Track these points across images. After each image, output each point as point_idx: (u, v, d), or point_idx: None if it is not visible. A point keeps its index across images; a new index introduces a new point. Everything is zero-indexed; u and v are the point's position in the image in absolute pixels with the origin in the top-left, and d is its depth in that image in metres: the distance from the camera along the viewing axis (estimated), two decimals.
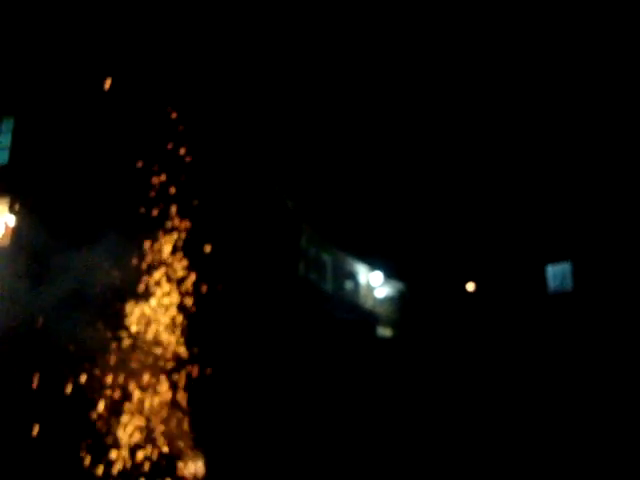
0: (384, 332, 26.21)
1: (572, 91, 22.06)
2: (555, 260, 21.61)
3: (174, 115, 16.08)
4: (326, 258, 24.74)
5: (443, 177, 27.59)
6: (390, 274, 27.18)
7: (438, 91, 25.35)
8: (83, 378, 12.65)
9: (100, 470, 12.00)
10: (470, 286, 26.06)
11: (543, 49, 21.73)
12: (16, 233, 14.03)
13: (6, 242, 14.04)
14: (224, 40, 17.74)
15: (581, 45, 20.81)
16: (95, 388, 12.74)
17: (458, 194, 27.39)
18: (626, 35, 19.29)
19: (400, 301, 27.97)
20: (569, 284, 20.99)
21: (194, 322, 15.33)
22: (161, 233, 15.60)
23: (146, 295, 14.09)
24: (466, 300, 25.94)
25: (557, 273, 21.51)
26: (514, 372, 17.91)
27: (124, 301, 13.79)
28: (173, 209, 16.06)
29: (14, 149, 15.15)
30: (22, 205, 14.26)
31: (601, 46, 20.28)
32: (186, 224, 16.50)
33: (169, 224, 15.76)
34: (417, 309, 26.88)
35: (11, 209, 14.17)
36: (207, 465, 13.53)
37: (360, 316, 24.78)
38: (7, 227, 14.16)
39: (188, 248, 16.24)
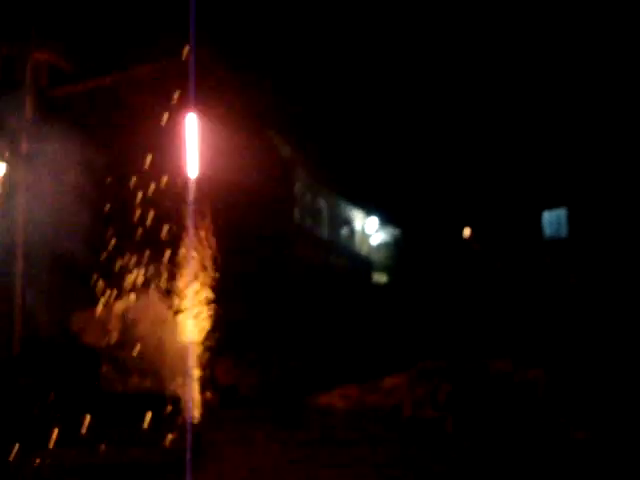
0: (379, 278, 26.36)
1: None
2: (551, 206, 21.60)
3: None
4: (322, 204, 24.65)
5: (439, 122, 27.29)
6: (386, 220, 27.15)
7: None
8: None
9: None
10: (466, 232, 26.04)
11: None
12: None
13: None
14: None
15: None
16: None
17: (454, 139, 27.14)
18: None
19: (395, 247, 28.00)
20: (564, 231, 21.05)
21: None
22: None
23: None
24: (462, 246, 25.97)
25: (553, 220, 21.53)
26: (507, 319, 18.04)
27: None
28: None
29: None
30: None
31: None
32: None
33: None
34: (412, 255, 26.92)
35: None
36: None
37: (356, 262, 24.90)
38: None
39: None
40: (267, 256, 18.67)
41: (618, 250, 18.30)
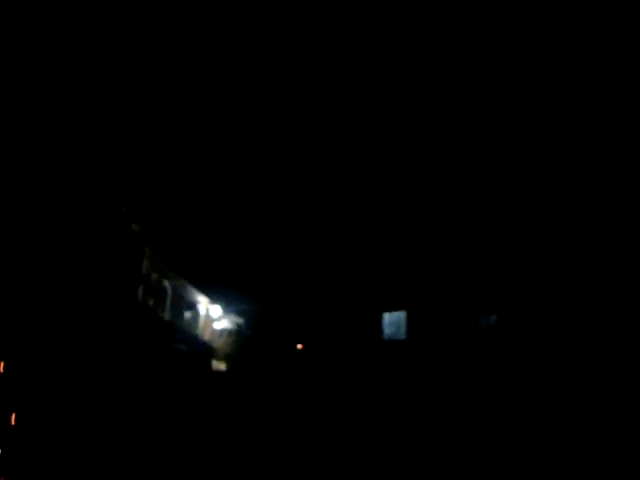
0: (219, 365, 25.93)
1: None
2: (391, 309, 22.77)
3: None
4: (167, 285, 24.13)
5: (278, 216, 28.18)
6: (229, 308, 27.08)
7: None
8: None
9: None
10: (299, 346, 26.69)
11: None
12: None
13: None
14: None
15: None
16: None
17: (296, 233, 28.10)
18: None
19: (237, 335, 27.86)
20: (403, 331, 22.20)
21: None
22: None
23: None
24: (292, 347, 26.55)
25: (393, 321, 22.67)
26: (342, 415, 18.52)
27: None
28: None
29: None
30: None
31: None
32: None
33: None
34: (253, 344, 26.96)
35: None
36: None
37: (197, 347, 24.36)
38: None
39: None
40: (106, 332, 17.86)
41: (455, 349, 19.67)
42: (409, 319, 21.93)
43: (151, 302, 22.84)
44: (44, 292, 16.19)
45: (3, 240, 15.13)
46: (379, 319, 22.77)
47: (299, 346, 26.77)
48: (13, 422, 13.45)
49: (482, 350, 18.75)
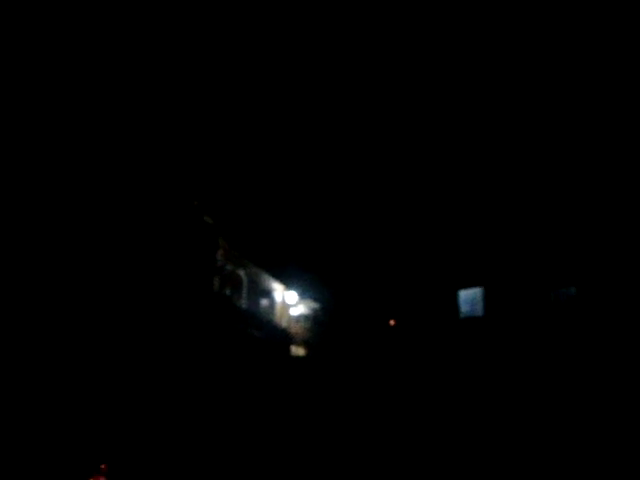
0: (297, 351, 26.08)
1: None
2: (467, 285, 22.20)
3: None
4: (242, 274, 24.42)
5: (360, 202, 27.96)
6: (305, 293, 27.16)
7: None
8: None
9: None
10: (391, 321, 26.31)
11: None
12: None
13: None
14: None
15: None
16: None
17: (373, 218, 27.81)
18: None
19: (314, 321, 27.92)
20: (480, 309, 21.62)
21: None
22: None
23: None
24: (381, 324, 26.20)
25: (468, 298, 22.10)
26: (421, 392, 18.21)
27: None
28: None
29: None
30: None
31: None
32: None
33: None
34: (331, 329, 26.93)
35: None
36: None
37: (274, 334, 24.59)
38: None
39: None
40: (185, 323, 18.28)
41: (532, 327, 18.99)
42: (486, 295, 21.33)
43: (228, 291, 23.20)
44: (124, 286, 16.72)
45: (87, 236, 15.68)
46: (455, 297, 22.26)
47: (391, 322, 26.39)
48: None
49: (562, 324, 17.99)
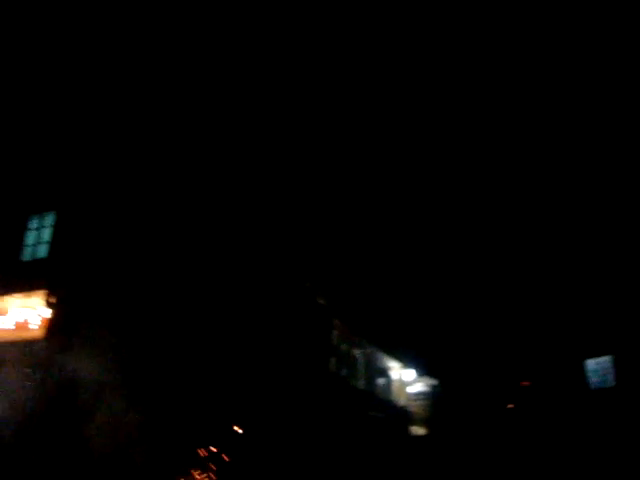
0: (417, 430, 25.37)
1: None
2: (595, 355, 21.02)
3: None
4: (358, 354, 24.38)
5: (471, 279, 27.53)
6: (423, 370, 26.60)
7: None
8: None
9: None
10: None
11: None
12: (51, 325, 14.13)
13: (42, 334, 14.12)
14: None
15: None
16: None
17: (495, 291, 27.20)
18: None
19: (433, 398, 27.17)
20: (610, 379, 20.31)
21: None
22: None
23: None
24: (504, 398, 25.17)
25: (598, 368, 20.85)
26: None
27: None
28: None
29: (54, 244, 15.50)
30: (58, 298, 14.44)
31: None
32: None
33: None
34: (451, 406, 26.03)
35: (47, 302, 14.33)
36: None
37: (393, 413, 24.12)
38: (42, 319, 14.28)
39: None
40: (303, 405, 18.34)
41: None
42: (616, 364, 20.04)
43: (344, 371, 23.17)
44: (242, 369, 17.13)
45: (207, 318, 16.36)
46: (581, 366, 21.07)
47: (509, 406, 25.39)
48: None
49: None
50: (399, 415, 24.56)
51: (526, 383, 25.38)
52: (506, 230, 26.74)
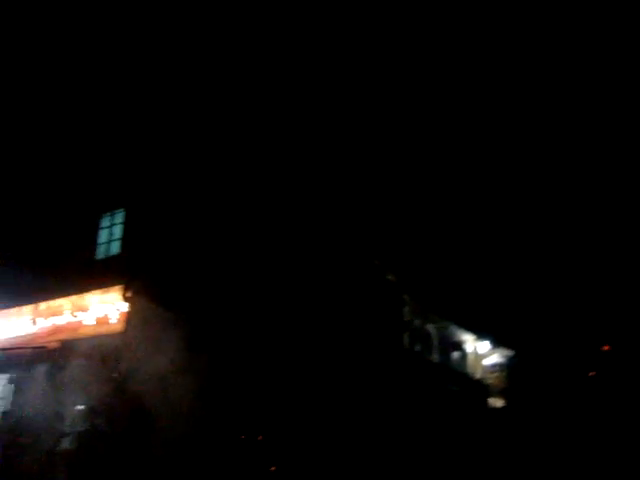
0: (495, 402, 25.13)
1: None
2: None
3: None
4: (431, 328, 24.31)
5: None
6: (498, 341, 26.20)
7: None
8: None
9: None
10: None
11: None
12: (129, 319, 14.79)
13: (121, 327, 14.81)
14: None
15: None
16: None
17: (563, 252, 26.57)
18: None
19: (510, 369, 26.77)
20: None
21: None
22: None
23: None
24: (584, 365, 24.61)
25: None
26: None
27: None
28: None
29: (125, 240, 16.20)
30: (134, 292, 15.09)
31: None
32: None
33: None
34: (528, 377, 25.65)
35: (124, 296, 14.99)
36: None
37: (469, 386, 24.00)
38: (121, 313, 14.97)
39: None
40: (377, 383, 18.49)
41: None
42: None
43: (418, 347, 23.19)
44: (315, 352, 17.44)
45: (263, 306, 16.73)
46: None
47: (590, 373, 24.73)
48: None
49: None
50: (476, 388, 24.39)
51: (607, 347, 24.71)
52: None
